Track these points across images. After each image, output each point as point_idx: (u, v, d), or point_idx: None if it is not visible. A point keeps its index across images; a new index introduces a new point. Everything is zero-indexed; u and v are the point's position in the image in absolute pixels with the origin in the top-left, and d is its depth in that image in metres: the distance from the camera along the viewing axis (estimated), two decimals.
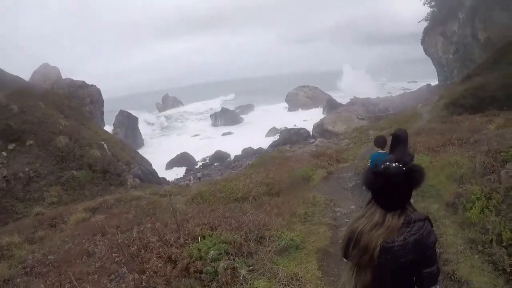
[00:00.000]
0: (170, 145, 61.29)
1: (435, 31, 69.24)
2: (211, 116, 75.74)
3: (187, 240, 8.03)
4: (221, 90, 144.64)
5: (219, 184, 18.21)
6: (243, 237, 7.80)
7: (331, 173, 17.62)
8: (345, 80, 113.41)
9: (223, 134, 67.38)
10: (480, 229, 7.33)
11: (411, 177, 3.12)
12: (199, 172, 41.89)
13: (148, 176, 36.36)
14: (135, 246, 8.63)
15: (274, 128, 60.68)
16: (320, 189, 14.64)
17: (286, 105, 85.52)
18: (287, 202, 11.78)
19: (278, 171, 18.16)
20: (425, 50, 73.08)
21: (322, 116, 61.88)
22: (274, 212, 10.25)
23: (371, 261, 3.16)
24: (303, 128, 54.19)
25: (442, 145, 14.88)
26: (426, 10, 71.57)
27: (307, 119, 65.35)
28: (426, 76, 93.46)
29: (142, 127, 69.38)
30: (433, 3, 69.32)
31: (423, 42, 73.54)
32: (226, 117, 74.34)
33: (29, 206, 27.37)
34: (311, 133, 50.08)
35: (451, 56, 65.13)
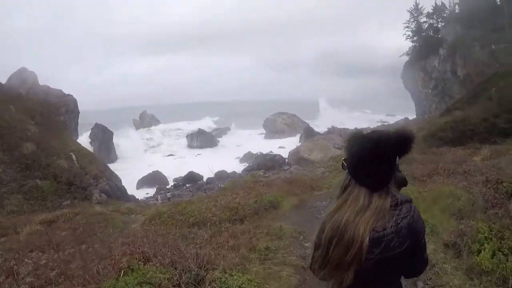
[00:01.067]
0: (143, 163, 58.73)
1: (415, 66, 69.02)
2: (187, 136, 73.30)
3: (110, 272, 6.27)
4: (199, 112, 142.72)
5: (181, 205, 16.74)
6: (176, 277, 5.69)
7: (304, 201, 16.15)
8: (323, 110, 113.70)
9: (198, 155, 65.21)
10: (495, 280, 5.56)
11: (401, 141, 2.64)
12: (169, 192, 40.14)
13: (117, 192, 34.19)
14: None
15: (249, 153, 58.14)
16: (289, 218, 12.95)
17: (263, 130, 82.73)
18: (248, 231, 9.85)
19: (246, 196, 16.74)
20: (405, 84, 72.91)
21: (298, 143, 60.05)
22: (228, 244, 8.22)
23: (356, 258, 2.57)
24: (279, 155, 52.49)
25: (428, 175, 13.55)
26: (407, 44, 71.52)
27: (284, 146, 63.05)
28: (404, 110, 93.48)
29: (119, 142, 67.84)
30: (415, 38, 69.03)
31: (403, 76, 73.31)
32: (202, 139, 71.52)
33: None
34: (286, 160, 48.90)
35: (430, 91, 64.63)
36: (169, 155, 68.75)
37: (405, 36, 69.55)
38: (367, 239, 2.53)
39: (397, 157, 2.67)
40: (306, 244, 9.10)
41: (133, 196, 36.76)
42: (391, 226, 2.57)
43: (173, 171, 50.59)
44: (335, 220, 2.67)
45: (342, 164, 2.74)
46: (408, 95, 74.17)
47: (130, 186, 40.54)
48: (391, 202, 2.64)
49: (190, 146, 72.71)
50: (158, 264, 6.33)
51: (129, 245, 7.83)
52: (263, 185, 20.84)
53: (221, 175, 44.15)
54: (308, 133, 65.28)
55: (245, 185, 22.54)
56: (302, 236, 9.93)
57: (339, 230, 2.63)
